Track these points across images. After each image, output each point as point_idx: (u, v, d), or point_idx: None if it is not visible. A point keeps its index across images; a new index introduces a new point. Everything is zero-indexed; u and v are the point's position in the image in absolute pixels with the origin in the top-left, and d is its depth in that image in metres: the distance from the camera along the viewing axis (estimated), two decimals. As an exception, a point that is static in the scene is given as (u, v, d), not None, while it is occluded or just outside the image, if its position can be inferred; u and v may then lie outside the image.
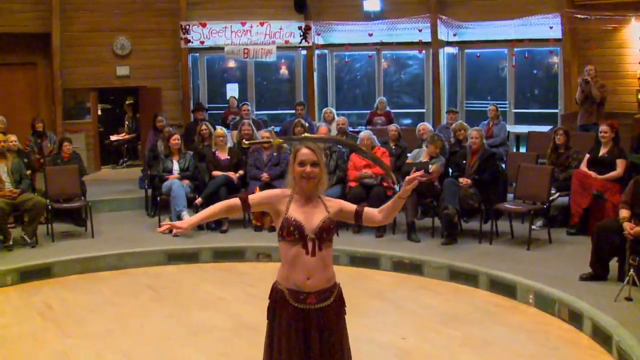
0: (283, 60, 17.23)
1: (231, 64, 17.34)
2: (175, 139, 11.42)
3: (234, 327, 7.31)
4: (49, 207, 10.61)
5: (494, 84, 16.33)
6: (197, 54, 16.62)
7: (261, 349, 6.66)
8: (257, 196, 4.26)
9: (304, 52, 16.34)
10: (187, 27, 15.79)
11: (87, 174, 12.66)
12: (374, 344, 6.69)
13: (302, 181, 4.08)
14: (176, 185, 10.86)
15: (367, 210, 4.23)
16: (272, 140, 4.30)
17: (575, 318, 7.07)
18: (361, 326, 7.12)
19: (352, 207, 4.24)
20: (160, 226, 10.76)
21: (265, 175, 10.88)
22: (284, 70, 17.51)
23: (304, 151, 4.09)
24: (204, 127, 12.34)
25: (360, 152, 4.40)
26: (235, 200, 4.24)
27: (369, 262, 9.45)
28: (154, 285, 9.01)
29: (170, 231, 10.60)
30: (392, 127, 11.98)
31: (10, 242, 10.05)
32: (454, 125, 11.98)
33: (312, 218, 4.06)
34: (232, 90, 16.73)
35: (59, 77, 15.52)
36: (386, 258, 9.36)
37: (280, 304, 4.14)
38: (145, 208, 12.49)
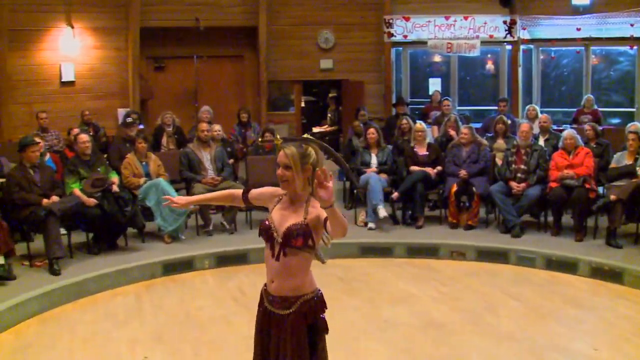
0: (489, 55, 16.94)
1: (436, 58, 17.24)
2: (372, 133, 11.45)
3: (421, 324, 7.25)
4: (249, 195, 10.95)
5: None
6: (401, 48, 16.66)
7: (447, 348, 6.62)
8: (255, 192, 4.20)
9: (508, 47, 15.99)
10: (391, 21, 15.86)
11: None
12: (563, 352, 6.42)
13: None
14: (373, 178, 10.86)
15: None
16: (274, 139, 4.19)
17: None
18: (552, 333, 6.90)
19: (324, 214, 3.75)
20: (357, 222, 10.97)
21: (463, 172, 10.71)
22: (489, 66, 17.22)
23: (280, 153, 3.90)
24: (404, 121, 12.36)
25: (330, 154, 4.14)
26: (238, 192, 4.28)
27: (566, 266, 9.05)
28: (346, 277, 9.11)
29: (366, 224, 10.78)
30: (587, 127, 11.46)
31: (210, 228, 10.52)
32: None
33: (286, 221, 3.88)
34: (434, 84, 16.67)
35: (264, 69, 16.06)
36: (584, 263, 8.91)
37: (260, 301, 4.10)
38: (343, 200, 12.65)
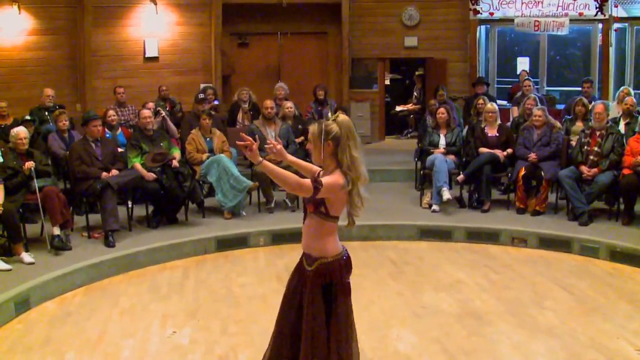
0: (582, 35, 16.25)
1: (526, 36, 16.66)
2: (442, 113, 11.15)
3: (459, 313, 7.02)
4: (313, 173, 10.87)
5: None
6: (489, 26, 16.19)
7: (478, 339, 6.37)
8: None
9: (600, 25, 15.29)
10: (477, -3, 15.43)
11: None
12: (601, 351, 6.04)
13: None
14: (439, 159, 10.58)
15: None
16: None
17: None
18: (595, 330, 6.54)
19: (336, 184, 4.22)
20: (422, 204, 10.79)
21: (532, 155, 10.32)
22: (582, 45, 16.53)
23: None
24: (480, 101, 12.01)
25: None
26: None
27: (631, 258, 8.55)
28: (398, 260, 8.94)
29: (430, 206, 10.55)
30: None
31: (272, 205, 10.50)
32: None
33: None
34: (522, 64, 16.11)
35: (347, 46, 15.86)
36: (649, 256, 8.43)
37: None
38: (415, 181, 12.43)
